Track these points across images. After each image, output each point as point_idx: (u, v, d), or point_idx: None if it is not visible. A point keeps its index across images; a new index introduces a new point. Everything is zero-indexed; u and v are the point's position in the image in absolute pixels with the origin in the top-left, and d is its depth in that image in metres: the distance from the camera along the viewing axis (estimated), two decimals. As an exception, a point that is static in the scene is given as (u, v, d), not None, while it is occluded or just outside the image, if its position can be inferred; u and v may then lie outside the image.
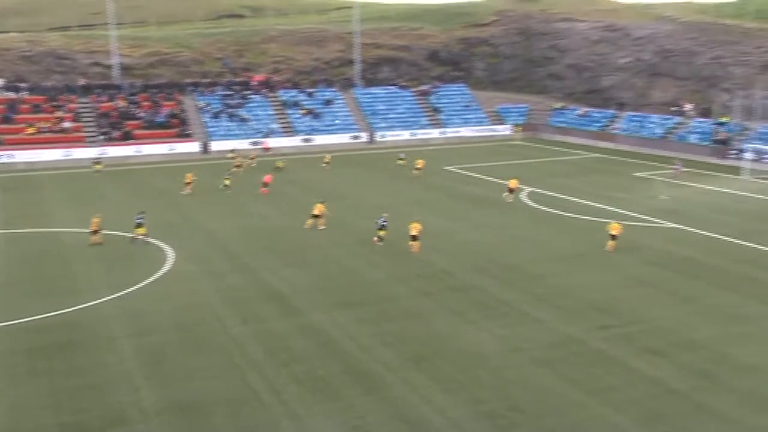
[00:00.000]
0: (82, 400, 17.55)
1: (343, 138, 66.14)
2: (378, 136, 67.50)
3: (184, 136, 60.51)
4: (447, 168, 51.04)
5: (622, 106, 73.00)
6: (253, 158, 52.75)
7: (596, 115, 69.88)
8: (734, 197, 40.88)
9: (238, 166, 49.01)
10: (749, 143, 51.66)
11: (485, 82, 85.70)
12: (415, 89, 75.64)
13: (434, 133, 70.07)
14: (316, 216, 33.20)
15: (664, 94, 69.32)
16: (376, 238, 30.79)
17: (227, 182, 42.36)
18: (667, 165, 52.69)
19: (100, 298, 24.08)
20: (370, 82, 74.97)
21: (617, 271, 26.91)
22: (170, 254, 29.06)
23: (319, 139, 64.81)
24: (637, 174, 49.60)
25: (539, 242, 31.21)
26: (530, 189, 43.24)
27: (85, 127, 59.31)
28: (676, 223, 34.41)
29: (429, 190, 43.53)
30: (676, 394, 17.67)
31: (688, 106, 63.88)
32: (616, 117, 67.97)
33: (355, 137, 66.84)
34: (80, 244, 30.57)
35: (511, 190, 39.69)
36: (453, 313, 22.95)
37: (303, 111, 67.70)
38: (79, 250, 29.72)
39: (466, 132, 71.53)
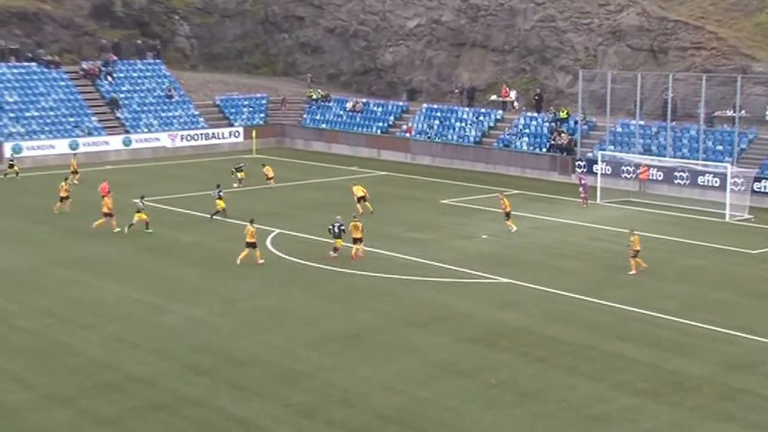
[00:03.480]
0: None
1: (-60, 153, 62.44)
2: (8, 150, 64.61)
3: None
4: (137, 201, 50.40)
5: (414, 94, 77.93)
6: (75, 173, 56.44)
7: (376, 109, 73.66)
8: (583, 232, 45.12)
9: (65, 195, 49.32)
10: (601, 149, 58.05)
11: (194, 56, 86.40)
12: (72, 68, 73.97)
13: (113, 143, 69.01)
14: (251, 244, 38.33)
15: (475, 76, 75.36)
16: (332, 252, 38.53)
17: (143, 217, 44.42)
18: (491, 186, 56.95)
19: None
20: (-13, 55, 71.64)
21: (421, 357, 28.06)
22: None
23: None
24: (446, 201, 52.93)
25: (295, 317, 31.81)
26: (277, 230, 44.39)
27: None
28: (503, 275, 36.99)
29: (103, 240, 43.27)
30: None
31: (512, 95, 70.15)
32: (408, 112, 72.24)
33: (-34, 151, 63.59)
34: None
35: (507, 215, 44.76)
36: (155, 451, 22.35)
37: None
38: None
39: (166, 140, 71.24)
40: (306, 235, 43.60)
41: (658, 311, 32.57)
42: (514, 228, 44.58)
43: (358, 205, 47.70)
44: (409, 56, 79.17)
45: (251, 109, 76.68)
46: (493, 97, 71.21)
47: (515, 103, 69.66)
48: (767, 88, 57.53)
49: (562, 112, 63.55)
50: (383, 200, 51.05)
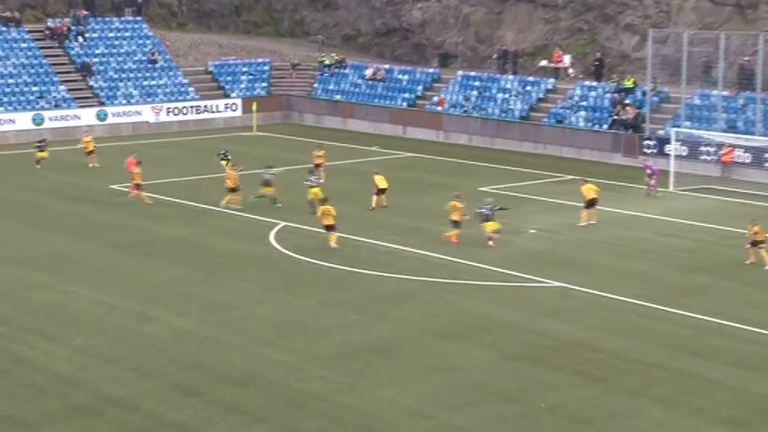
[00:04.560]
0: None
1: None
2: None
3: None
4: (114, 187, 50.71)
5: (447, 59, 77.74)
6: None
7: (402, 77, 73.58)
8: (653, 226, 44.90)
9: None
10: (674, 126, 57.71)
11: (182, 13, 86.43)
12: (36, 27, 74.29)
13: (85, 118, 69.19)
14: (330, 226, 40.49)
15: (521, 37, 75.13)
16: (490, 241, 40.70)
17: (270, 191, 47.58)
18: (540, 171, 56.71)
19: None
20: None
21: (454, 376, 28.00)
22: None
23: None
24: (485, 188, 52.81)
25: (304, 327, 31.89)
26: (282, 223, 44.63)
27: None
28: (555, 278, 36.90)
29: (70, 235, 43.55)
30: None
31: (566, 60, 69.77)
32: (439, 81, 72.06)
33: None
34: None
35: (590, 204, 44.82)
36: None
37: None
38: None
39: (149, 114, 71.42)
40: (317, 229, 43.44)
41: (744, 323, 32.40)
42: (585, 222, 44.53)
43: (375, 198, 47.53)
44: (441, 13, 79.01)
45: (251, 77, 76.74)
46: (543, 63, 70.95)
47: (570, 70, 69.40)
48: None
49: (628, 80, 63.34)
50: (410, 187, 50.97)
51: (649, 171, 50.89)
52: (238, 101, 74.32)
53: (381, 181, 47.99)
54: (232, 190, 47.05)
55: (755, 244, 38.31)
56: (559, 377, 28.08)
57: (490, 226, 40.72)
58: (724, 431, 24.97)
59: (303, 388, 27.19)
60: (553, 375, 28.25)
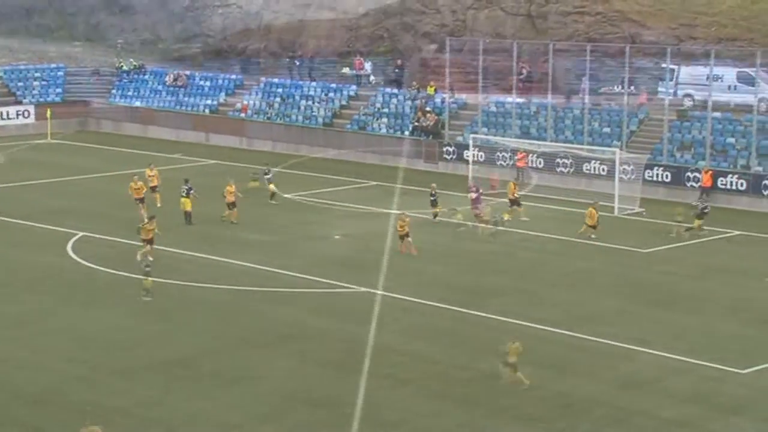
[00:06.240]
0: None
1: None
2: None
3: None
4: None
5: (250, 65, 77.22)
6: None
7: (204, 83, 72.86)
8: (454, 231, 45.77)
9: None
10: (472, 132, 58.66)
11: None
12: None
13: None
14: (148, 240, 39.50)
15: (323, 44, 75.26)
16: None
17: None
18: (344, 177, 57.00)
19: None
20: None
21: (262, 385, 28.05)
22: None
23: None
24: (290, 195, 52.67)
25: (105, 341, 31.38)
26: (80, 233, 43.88)
27: None
28: (361, 283, 37.31)
29: None
30: None
31: (367, 67, 70.25)
32: (242, 87, 71.63)
33: None
34: None
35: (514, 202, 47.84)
36: None
37: None
38: None
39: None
40: (116, 239, 42.79)
41: (541, 323, 33.23)
42: (508, 218, 46.24)
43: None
44: (243, 20, 78.55)
45: (45, 82, 74.76)
46: (345, 70, 71.23)
47: (371, 77, 69.83)
48: (659, 60, 59.02)
49: (430, 87, 64.00)
50: (214, 195, 50.44)
51: (475, 195, 48.27)
52: (31, 108, 72.29)
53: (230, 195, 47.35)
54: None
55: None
56: (367, 382, 28.23)
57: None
58: (524, 428, 25.61)
59: (105, 403, 26.70)
60: (360, 380, 28.36)
